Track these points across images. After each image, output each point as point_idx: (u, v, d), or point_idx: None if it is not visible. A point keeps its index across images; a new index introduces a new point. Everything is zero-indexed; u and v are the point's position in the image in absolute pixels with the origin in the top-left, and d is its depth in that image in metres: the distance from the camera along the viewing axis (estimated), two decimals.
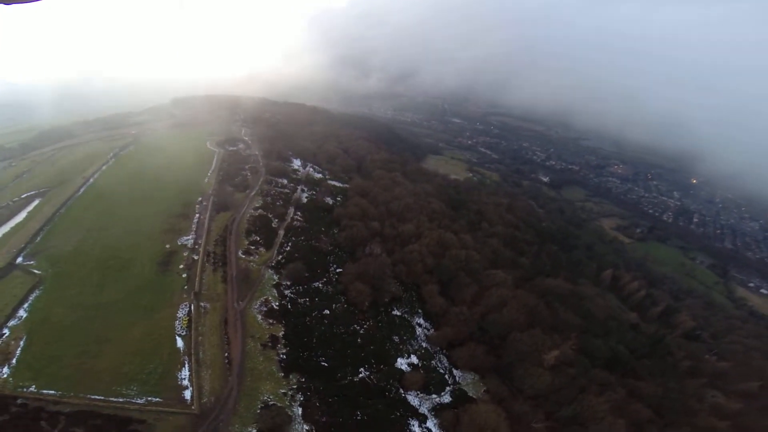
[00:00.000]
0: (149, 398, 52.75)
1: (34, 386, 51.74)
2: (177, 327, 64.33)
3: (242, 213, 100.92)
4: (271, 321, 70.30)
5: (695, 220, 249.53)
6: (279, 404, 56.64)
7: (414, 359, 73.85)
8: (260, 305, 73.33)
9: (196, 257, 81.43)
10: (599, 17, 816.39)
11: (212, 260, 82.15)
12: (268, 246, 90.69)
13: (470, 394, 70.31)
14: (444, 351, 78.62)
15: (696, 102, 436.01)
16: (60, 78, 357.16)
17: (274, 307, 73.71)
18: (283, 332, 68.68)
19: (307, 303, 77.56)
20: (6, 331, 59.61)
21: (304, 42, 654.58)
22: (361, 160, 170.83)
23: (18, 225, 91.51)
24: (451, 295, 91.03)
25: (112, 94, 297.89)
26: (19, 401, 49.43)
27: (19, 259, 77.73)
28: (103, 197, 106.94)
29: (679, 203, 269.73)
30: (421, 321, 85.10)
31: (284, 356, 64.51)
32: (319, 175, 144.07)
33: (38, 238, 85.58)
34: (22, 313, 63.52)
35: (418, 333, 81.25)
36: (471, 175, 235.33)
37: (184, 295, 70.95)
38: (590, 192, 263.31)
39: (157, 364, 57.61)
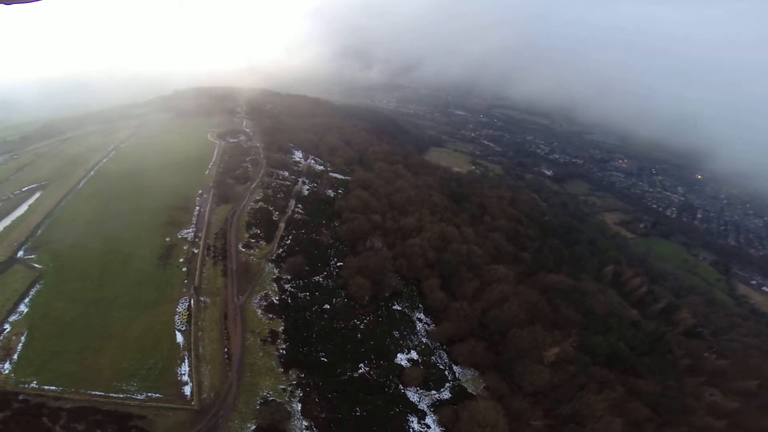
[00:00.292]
0: (149, 394, 52.90)
1: (35, 382, 51.80)
2: (177, 322, 64.34)
3: (243, 205, 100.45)
4: (271, 316, 70.31)
5: (699, 216, 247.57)
6: (278, 400, 56.84)
7: (414, 355, 73.82)
8: (260, 300, 73.28)
9: (196, 251, 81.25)
10: (606, 14, 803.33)
11: (212, 254, 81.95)
12: (269, 239, 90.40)
13: (470, 390, 70.35)
14: (444, 347, 78.51)
15: (704, 98, 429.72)
16: (61, 72, 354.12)
17: (274, 301, 73.68)
18: (282, 327, 68.70)
19: (308, 297, 77.44)
20: (7, 326, 59.56)
21: (306, 33, 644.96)
22: (362, 152, 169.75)
23: (19, 218, 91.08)
24: (452, 290, 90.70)
25: (113, 87, 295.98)
26: (20, 397, 49.54)
27: (20, 253, 77.44)
28: (104, 190, 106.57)
29: (683, 199, 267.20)
30: (422, 316, 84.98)
31: (284, 351, 64.60)
32: (321, 167, 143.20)
33: (39, 232, 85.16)
34: (23, 308, 63.44)
35: (418, 328, 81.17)
36: (474, 167, 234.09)
37: (184, 290, 70.85)
38: (594, 186, 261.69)
39: (157, 359, 57.71)
